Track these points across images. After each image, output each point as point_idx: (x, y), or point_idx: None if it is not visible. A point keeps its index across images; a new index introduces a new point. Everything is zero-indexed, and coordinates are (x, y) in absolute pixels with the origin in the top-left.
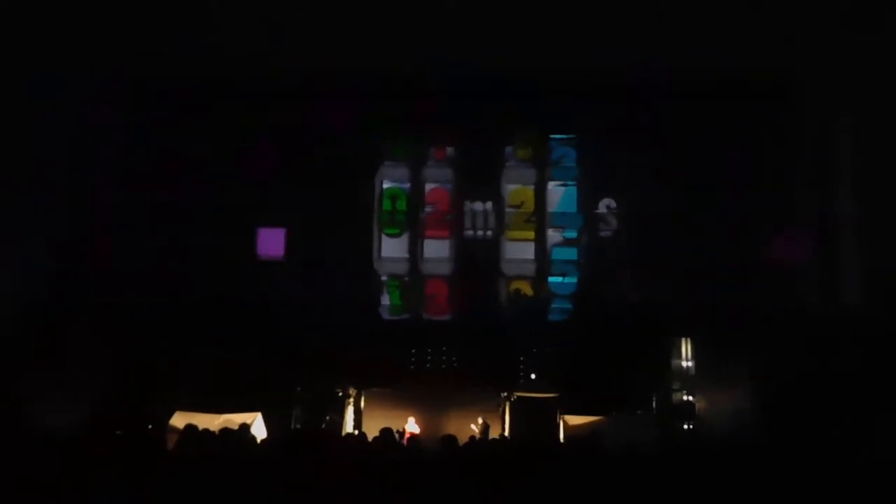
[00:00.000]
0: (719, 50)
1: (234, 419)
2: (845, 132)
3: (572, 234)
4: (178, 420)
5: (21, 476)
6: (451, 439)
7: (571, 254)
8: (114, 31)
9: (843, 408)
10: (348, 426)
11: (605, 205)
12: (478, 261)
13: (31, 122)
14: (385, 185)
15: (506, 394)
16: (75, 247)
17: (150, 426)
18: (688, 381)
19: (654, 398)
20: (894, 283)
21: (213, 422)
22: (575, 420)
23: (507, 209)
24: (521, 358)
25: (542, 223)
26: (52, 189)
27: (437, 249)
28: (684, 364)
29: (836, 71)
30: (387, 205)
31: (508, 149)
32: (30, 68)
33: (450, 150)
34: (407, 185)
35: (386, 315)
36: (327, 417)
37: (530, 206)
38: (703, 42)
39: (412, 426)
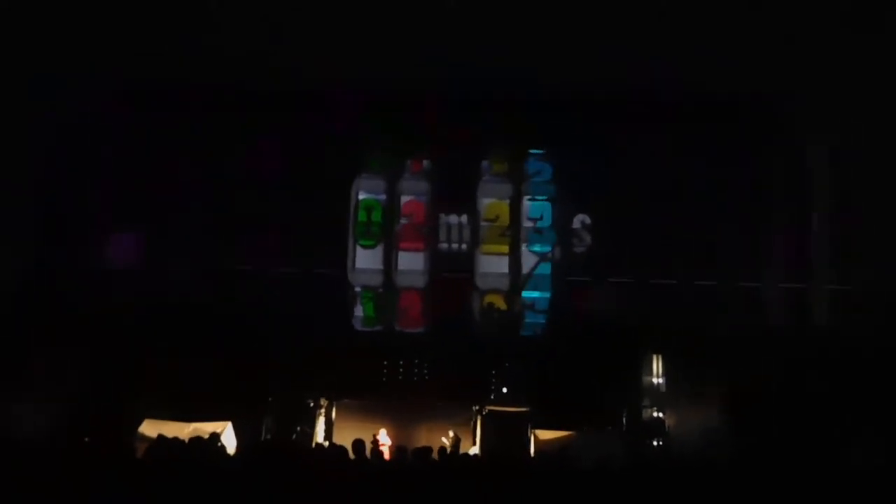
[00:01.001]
0: (696, 68)
1: (204, 428)
2: (822, 152)
3: (546, 249)
4: (148, 428)
5: None
6: (426, 451)
7: (545, 268)
8: (106, 30)
9: (813, 427)
10: (319, 437)
11: (579, 220)
12: (452, 274)
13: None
14: (361, 197)
15: (477, 407)
16: (47, 251)
17: (118, 434)
18: (658, 397)
19: (624, 414)
20: (866, 304)
21: (182, 430)
22: (546, 435)
23: (482, 223)
24: (493, 372)
25: (517, 238)
26: (26, 190)
27: (411, 262)
28: (655, 381)
29: (812, 92)
30: (362, 216)
31: (485, 163)
32: (20, 66)
33: (426, 162)
34: (383, 197)
35: (359, 326)
36: (298, 428)
37: (505, 220)
38: (681, 60)
39: (383, 438)
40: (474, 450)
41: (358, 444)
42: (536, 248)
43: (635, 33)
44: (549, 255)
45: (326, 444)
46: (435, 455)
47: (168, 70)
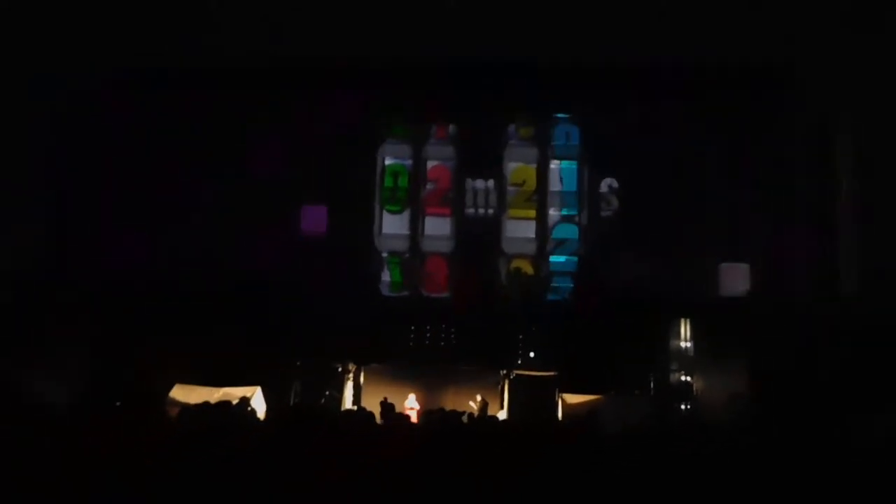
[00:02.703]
0: (721, 39)
1: (234, 393)
2: (846, 123)
3: (573, 213)
4: (178, 393)
5: (18, 451)
6: (454, 415)
7: (572, 233)
8: (108, 17)
9: (839, 395)
10: (347, 402)
11: (607, 184)
12: (478, 239)
13: (25, 110)
14: (387, 162)
15: (504, 372)
16: (74, 224)
17: (149, 398)
18: (686, 362)
19: (651, 378)
20: (892, 276)
21: (212, 395)
22: (573, 399)
23: (509, 188)
24: (520, 336)
25: (544, 202)
26: (49, 168)
27: (437, 227)
28: (683, 345)
29: (837, 63)
30: (388, 181)
31: (511, 127)
32: (18, 58)
33: (452, 127)
34: (409, 163)
35: (386, 292)
36: (326, 393)
37: (532, 184)
38: (706, 31)
39: (412, 402)
40: (502, 414)
41: (387, 406)
42: (563, 212)
43: (664, 4)
44: (577, 219)
45: (355, 408)
46: (464, 419)
47: (185, 45)
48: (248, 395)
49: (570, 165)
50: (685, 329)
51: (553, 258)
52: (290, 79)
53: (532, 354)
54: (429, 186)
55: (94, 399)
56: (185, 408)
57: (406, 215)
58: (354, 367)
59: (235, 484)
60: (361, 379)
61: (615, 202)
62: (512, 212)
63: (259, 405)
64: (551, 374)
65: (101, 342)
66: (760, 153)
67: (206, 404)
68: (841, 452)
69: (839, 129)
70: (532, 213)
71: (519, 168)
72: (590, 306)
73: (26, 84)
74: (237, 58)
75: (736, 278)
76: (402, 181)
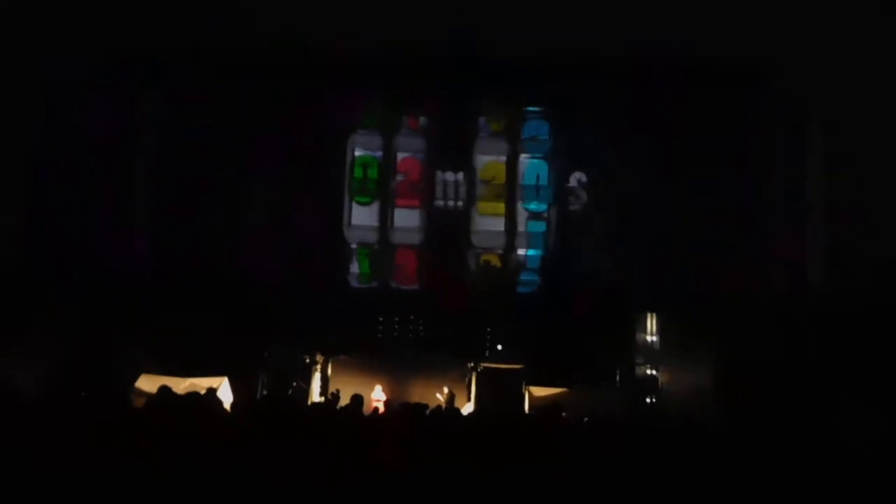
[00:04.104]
0: (694, 33)
1: (201, 383)
2: (817, 116)
3: (542, 208)
4: (144, 383)
5: None
6: (420, 407)
7: (541, 227)
8: (94, 6)
9: (806, 386)
10: (315, 393)
11: (576, 178)
12: (448, 231)
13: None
14: (357, 153)
15: (472, 364)
16: (45, 212)
17: (114, 389)
18: (652, 355)
19: (618, 372)
20: (861, 266)
21: (178, 385)
22: (540, 392)
23: (479, 181)
24: (488, 329)
25: (513, 196)
26: (25, 156)
27: (407, 219)
28: (649, 339)
29: (809, 57)
30: (358, 173)
31: (482, 120)
32: (21, 45)
33: (423, 119)
34: (379, 154)
35: (355, 283)
36: (294, 384)
37: (502, 178)
38: (679, 25)
39: (378, 394)
40: (469, 406)
41: (356, 399)
42: (532, 206)
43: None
44: (545, 213)
45: (322, 399)
46: (429, 411)
47: (159, 40)
48: (215, 385)
49: (540, 160)
50: (651, 323)
51: (521, 251)
52: (260, 69)
53: (499, 347)
54: (399, 178)
55: (59, 389)
56: (153, 397)
57: (375, 207)
58: (322, 358)
59: (205, 475)
60: (329, 370)
61: (584, 196)
62: (481, 205)
63: (226, 396)
64: (518, 366)
65: (67, 331)
66: (731, 149)
67: (173, 394)
68: (808, 446)
69: (812, 122)
70: (501, 206)
71: (489, 162)
72: (557, 300)
73: (8, 74)
74: (208, 52)
75: (705, 272)
76: (372, 172)
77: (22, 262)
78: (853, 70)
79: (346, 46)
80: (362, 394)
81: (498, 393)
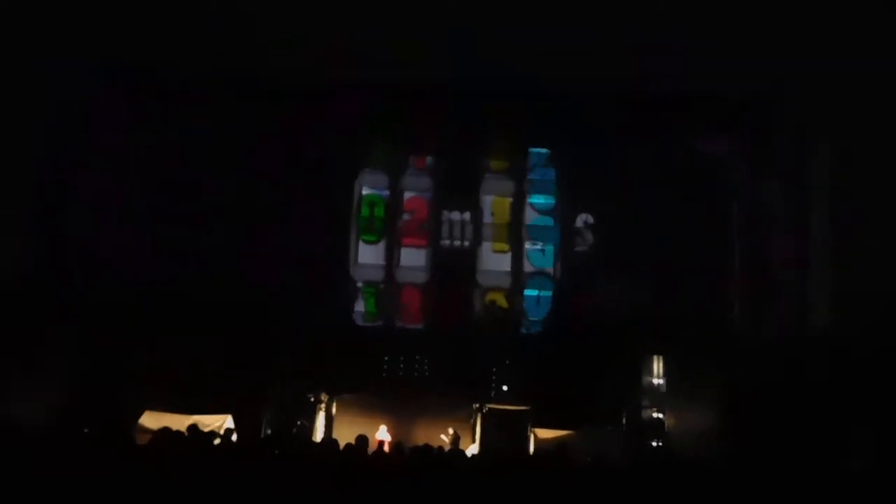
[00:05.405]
0: (698, 64)
1: (205, 421)
2: (822, 148)
3: (548, 248)
4: (148, 420)
5: None
6: (425, 449)
7: (547, 267)
8: (112, 17)
9: (812, 428)
10: (319, 432)
11: (582, 220)
12: (454, 270)
13: (13, 110)
14: (364, 192)
15: (477, 405)
16: (51, 240)
17: (118, 425)
18: (658, 398)
19: (624, 414)
20: (865, 305)
21: (182, 423)
22: (545, 433)
23: (485, 220)
24: (494, 369)
25: (519, 236)
26: (30, 181)
27: (413, 258)
28: (655, 381)
29: (813, 87)
30: (365, 211)
31: (488, 160)
32: (19, 53)
33: (429, 158)
34: (386, 193)
35: (360, 321)
36: (298, 422)
37: (507, 217)
38: (683, 56)
39: (383, 434)
40: (474, 447)
41: (361, 440)
42: (538, 246)
43: (639, 32)
44: (551, 253)
45: (326, 439)
46: (434, 453)
47: (170, 63)
48: (219, 423)
49: (546, 200)
50: (658, 365)
51: (527, 292)
52: (267, 105)
53: (505, 388)
54: (405, 217)
55: (64, 423)
56: (157, 435)
57: (382, 245)
58: (327, 396)
59: None
60: (333, 409)
61: (590, 237)
62: (487, 244)
63: (229, 434)
64: (524, 408)
65: (71, 366)
66: (736, 189)
67: (177, 433)
68: (815, 485)
69: (817, 155)
70: (507, 246)
71: (495, 201)
72: (563, 341)
73: (19, 82)
74: (217, 77)
75: (711, 314)
76: (379, 211)
77: (26, 294)
78: (859, 100)
79: (353, 84)
80: (366, 434)
81: (503, 434)
